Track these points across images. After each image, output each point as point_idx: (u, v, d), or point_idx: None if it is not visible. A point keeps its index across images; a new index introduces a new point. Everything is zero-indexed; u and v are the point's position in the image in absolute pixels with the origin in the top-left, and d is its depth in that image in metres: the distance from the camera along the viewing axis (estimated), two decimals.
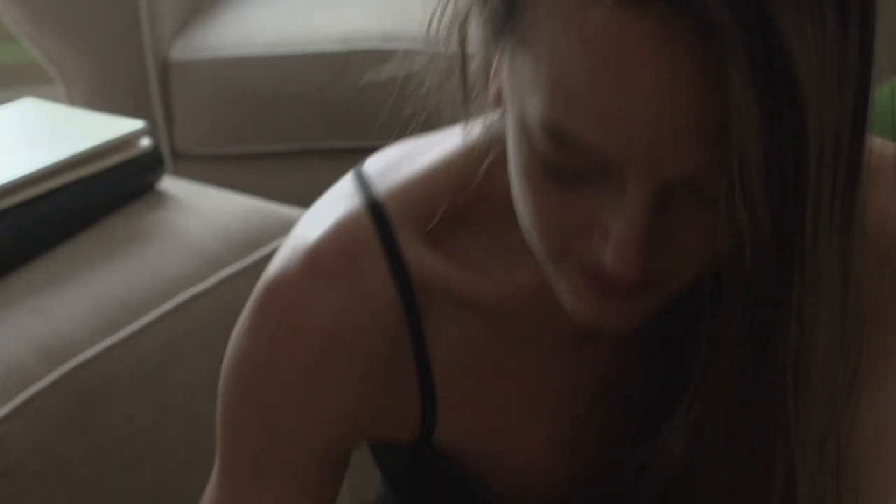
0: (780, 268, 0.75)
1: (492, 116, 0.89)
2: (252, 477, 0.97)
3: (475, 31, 0.85)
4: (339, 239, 0.92)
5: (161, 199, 1.75)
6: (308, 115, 2.40)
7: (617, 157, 0.74)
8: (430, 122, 0.96)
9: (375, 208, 0.93)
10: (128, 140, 1.71)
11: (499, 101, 0.83)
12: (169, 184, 1.78)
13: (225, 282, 1.65)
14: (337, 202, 0.94)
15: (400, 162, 0.95)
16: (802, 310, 0.77)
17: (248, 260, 1.68)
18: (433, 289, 0.93)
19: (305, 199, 1.94)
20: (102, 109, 2.30)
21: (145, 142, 1.74)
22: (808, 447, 0.81)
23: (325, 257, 0.92)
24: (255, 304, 0.97)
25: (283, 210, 1.79)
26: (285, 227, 1.74)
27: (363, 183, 0.94)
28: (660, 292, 0.81)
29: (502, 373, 0.97)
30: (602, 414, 0.98)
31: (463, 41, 0.87)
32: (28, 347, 1.50)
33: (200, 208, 1.74)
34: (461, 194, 0.92)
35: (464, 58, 0.87)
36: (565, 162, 0.75)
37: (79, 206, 1.67)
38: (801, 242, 0.74)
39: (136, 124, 1.74)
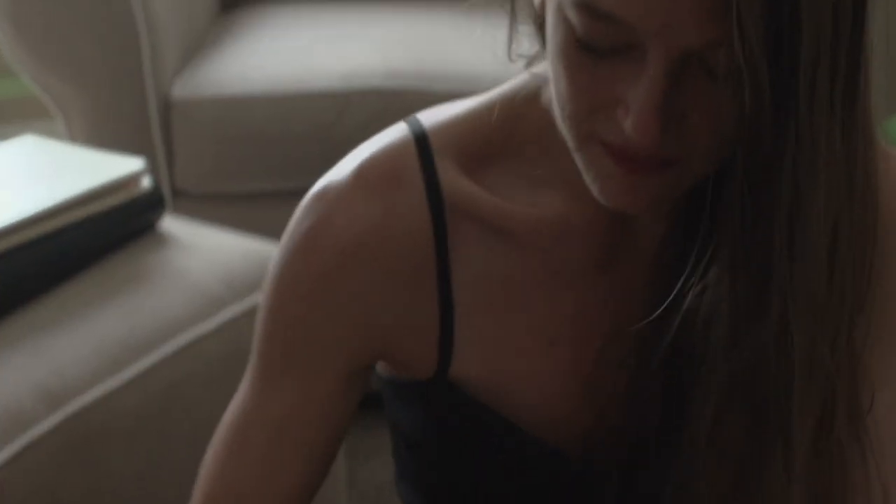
0: (777, 142, 0.83)
1: (531, 63, 1.00)
2: (277, 374, 1.04)
3: None
4: (385, 159, 1.01)
5: (162, 238, 1.75)
6: (311, 153, 2.40)
7: (637, 25, 0.83)
8: None
9: (420, 138, 1.02)
10: (128, 180, 1.71)
11: (542, 7, 0.92)
12: (170, 223, 1.78)
13: (226, 323, 1.65)
14: (389, 132, 1.04)
15: (448, 107, 1.05)
16: (797, 179, 0.84)
17: (250, 301, 1.67)
18: (463, 211, 1.01)
19: None
20: (103, 145, 2.29)
21: (146, 181, 1.73)
22: (810, 317, 0.88)
23: (369, 173, 1.01)
24: (300, 208, 1.04)
25: None
26: None
27: (413, 120, 1.04)
28: (677, 174, 0.88)
29: (522, 302, 1.02)
30: (620, 351, 1.00)
31: None
32: (28, 389, 1.49)
33: (202, 248, 1.74)
34: (497, 131, 1.01)
35: None
36: (595, 33, 0.84)
37: (79, 246, 1.67)
38: (797, 113, 0.82)
39: (136, 164, 1.74)
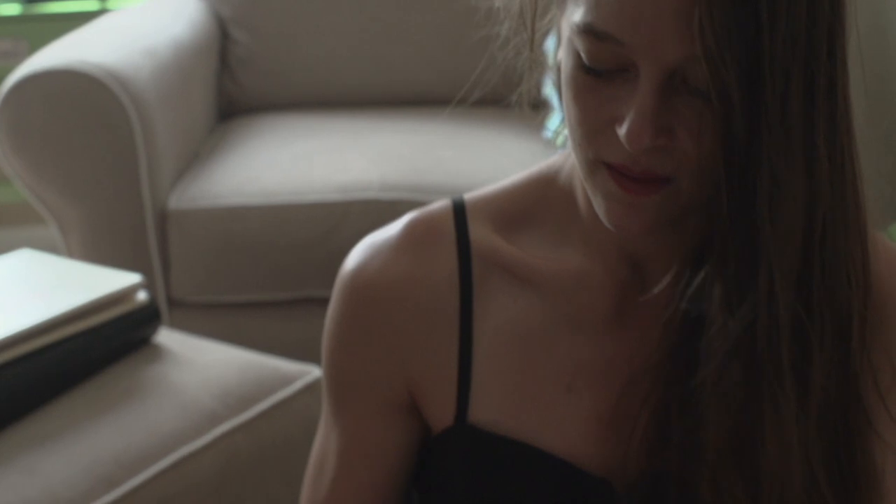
0: (752, 151, 0.95)
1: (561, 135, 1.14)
2: (333, 411, 1.17)
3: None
4: (424, 218, 1.14)
5: (157, 352, 1.74)
6: (307, 264, 2.40)
7: (628, 41, 0.95)
8: None
9: (459, 205, 1.15)
10: (124, 294, 1.71)
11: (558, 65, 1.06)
12: (165, 336, 1.78)
13: (221, 438, 1.64)
14: (436, 203, 1.17)
15: (488, 186, 1.18)
16: (774, 174, 0.96)
17: (245, 416, 1.67)
18: (490, 263, 1.12)
19: (304, 348, 1.93)
20: (98, 254, 2.30)
21: (141, 295, 1.73)
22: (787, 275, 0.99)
23: (408, 229, 1.14)
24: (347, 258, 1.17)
25: (280, 364, 1.78)
26: (282, 381, 1.73)
27: (457, 195, 1.17)
28: (670, 193, 0.99)
29: (542, 351, 1.10)
30: (637, 394, 1.06)
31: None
32: None
33: (197, 363, 1.73)
34: (526, 200, 1.14)
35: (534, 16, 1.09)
36: (597, 55, 0.98)
37: (75, 360, 1.66)
38: (767, 118, 0.95)
39: (132, 278, 1.74)
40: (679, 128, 0.97)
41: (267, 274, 2.41)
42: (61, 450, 1.56)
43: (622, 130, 0.97)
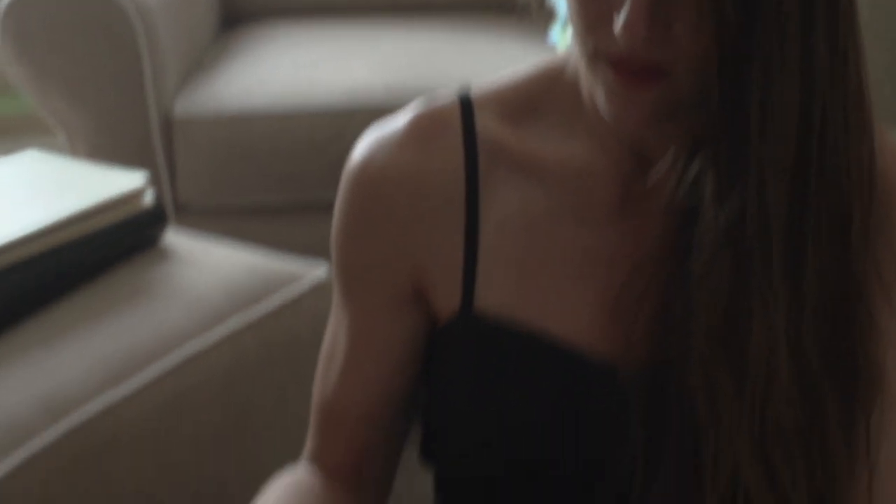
0: (747, 42, 0.96)
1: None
2: (343, 299, 1.18)
3: None
4: (429, 111, 1.15)
5: (164, 253, 1.75)
6: (312, 169, 2.40)
7: None
8: None
9: (465, 97, 1.15)
10: (131, 195, 1.71)
11: None
12: (172, 238, 1.78)
13: (229, 336, 1.64)
14: (442, 94, 1.17)
15: (494, 77, 1.18)
16: (767, 71, 0.96)
17: (252, 314, 1.67)
18: (496, 154, 1.12)
19: (309, 251, 1.94)
20: (105, 161, 2.30)
21: (148, 197, 1.73)
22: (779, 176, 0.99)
23: (413, 121, 1.14)
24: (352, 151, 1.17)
25: (286, 263, 1.78)
26: (289, 279, 1.74)
27: (462, 86, 1.17)
28: (667, 87, 1.00)
29: (547, 240, 1.11)
30: (640, 283, 1.08)
31: None
32: (30, 402, 1.49)
33: (204, 262, 1.74)
34: (533, 92, 1.14)
35: None
36: None
37: (81, 261, 1.67)
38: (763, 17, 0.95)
39: (138, 179, 1.74)
40: (676, 20, 0.97)
41: (273, 179, 2.42)
42: (70, 346, 1.57)
43: (617, 22, 0.97)
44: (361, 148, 1.15)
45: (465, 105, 1.15)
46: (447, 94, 1.16)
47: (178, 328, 1.62)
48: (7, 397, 1.49)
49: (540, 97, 1.14)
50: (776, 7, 0.95)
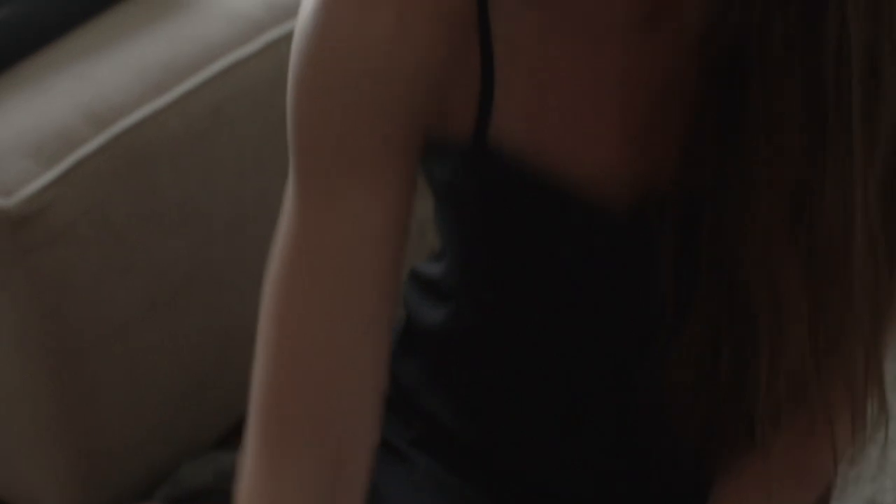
0: None
1: None
2: (332, 185, 0.96)
3: None
4: None
5: None
6: None
7: None
8: None
9: None
10: None
11: None
12: None
13: (268, 45, 1.65)
14: None
15: None
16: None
17: (290, 24, 1.67)
18: None
19: None
20: None
21: None
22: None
23: None
24: None
25: None
26: None
27: None
28: None
29: (566, 62, 0.97)
30: (669, 109, 0.96)
31: None
32: (75, 112, 1.52)
33: None
34: None
35: None
36: None
37: None
38: None
39: None
40: None
41: None
42: (111, 58, 1.58)
43: None
44: None
45: None
46: None
47: (218, 40, 1.63)
48: (53, 107, 1.52)
49: None
50: None
